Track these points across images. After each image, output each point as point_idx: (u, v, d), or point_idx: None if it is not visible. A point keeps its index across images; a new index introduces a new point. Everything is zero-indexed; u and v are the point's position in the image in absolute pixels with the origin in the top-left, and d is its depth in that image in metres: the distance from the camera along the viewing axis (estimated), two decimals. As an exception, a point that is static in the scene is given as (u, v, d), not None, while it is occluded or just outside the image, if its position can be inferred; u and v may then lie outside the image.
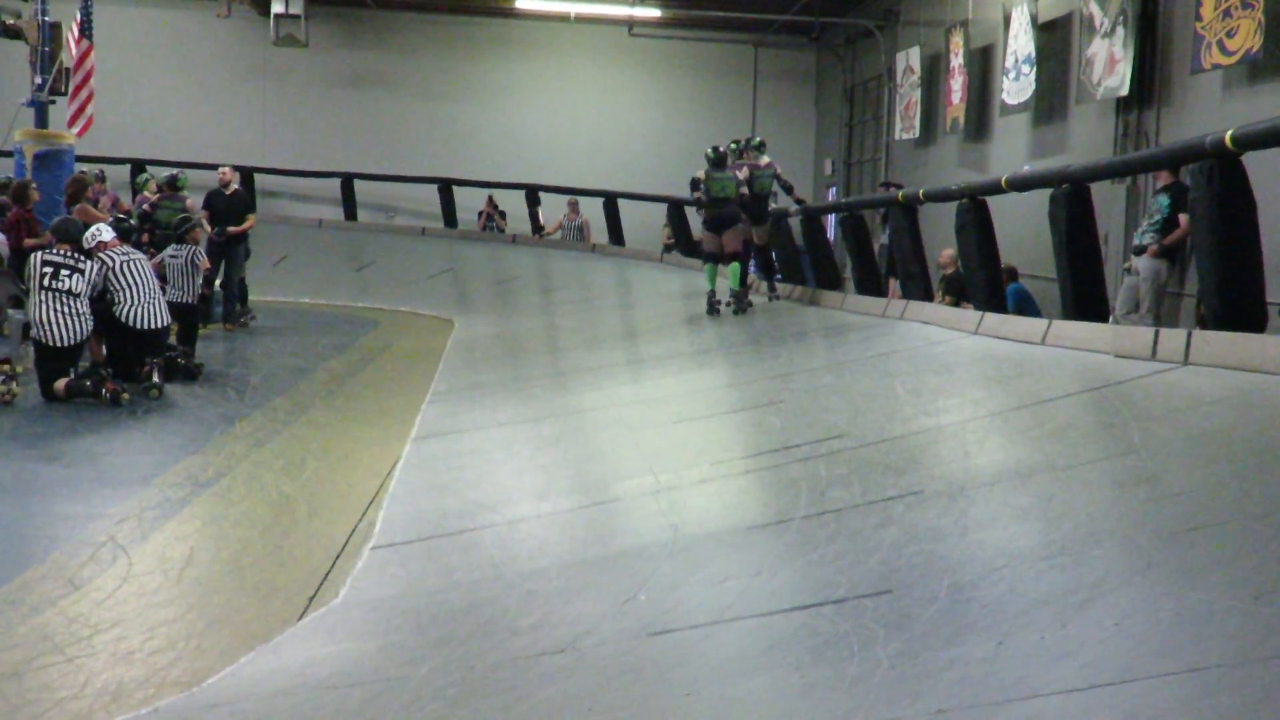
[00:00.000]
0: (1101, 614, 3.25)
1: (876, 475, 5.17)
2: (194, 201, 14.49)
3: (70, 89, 13.77)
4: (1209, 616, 3.06)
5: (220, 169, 15.18)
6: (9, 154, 13.46)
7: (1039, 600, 3.46)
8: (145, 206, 14.02)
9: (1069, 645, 3.12)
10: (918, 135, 18.93)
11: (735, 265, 12.14)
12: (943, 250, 12.82)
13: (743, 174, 12.80)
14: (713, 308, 12.41)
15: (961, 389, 6.87)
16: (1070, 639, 3.15)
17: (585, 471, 6.67)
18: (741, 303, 12.45)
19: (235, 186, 14.91)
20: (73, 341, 9.41)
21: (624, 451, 7.02)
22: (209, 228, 14.13)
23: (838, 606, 3.74)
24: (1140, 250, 9.77)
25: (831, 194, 23.51)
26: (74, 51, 13.81)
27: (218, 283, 14.06)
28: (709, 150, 12.73)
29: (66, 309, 9.37)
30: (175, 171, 14.53)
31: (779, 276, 13.82)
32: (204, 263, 11.80)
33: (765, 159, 13.06)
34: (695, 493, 5.64)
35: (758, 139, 13.49)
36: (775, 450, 6.05)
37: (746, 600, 4.04)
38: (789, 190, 13.07)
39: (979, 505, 4.49)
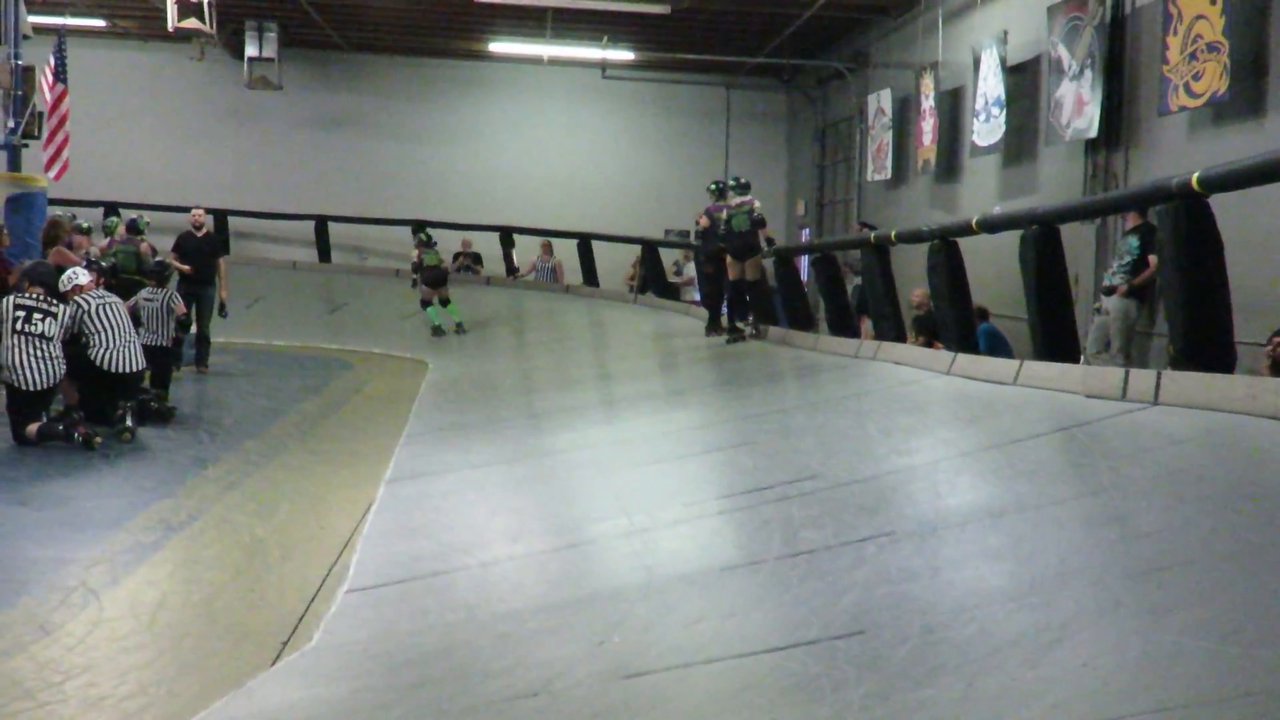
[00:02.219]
0: (1070, 654, 3.27)
1: (849, 516, 5.18)
2: (149, 245, 14.39)
3: (45, 133, 13.76)
4: (1176, 656, 3.09)
5: (193, 210, 15.14)
6: (-19, 196, 13.44)
7: (1009, 640, 3.48)
8: (97, 250, 13.84)
9: (1038, 686, 3.14)
10: (889, 176, 19.06)
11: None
12: (914, 290, 12.90)
13: (722, 214, 13.37)
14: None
15: (933, 429, 6.91)
16: (1039, 679, 3.18)
17: (559, 513, 6.66)
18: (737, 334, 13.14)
19: (207, 229, 14.90)
20: (45, 385, 9.38)
21: (598, 493, 7.02)
22: (182, 267, 14.10)
23: (810, 648, 3.75)
24: (1110, 290, 9.87)
25: (804, 235, 23.64)
26: (48, 96, 13.81)
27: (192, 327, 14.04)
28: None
29: (39, 353, 9.35)
30: (135, 215, 14.52)
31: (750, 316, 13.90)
32: (179, 306, 11.79)
33: (741, 198, 13.15)
34: (669, 534, 5.64)
35: (742, 180, 13.58)
36: (748, 491, 6.06)
37: (720, 642, 4.05)
38: (762, 224, 13.15)
39: (950, 545, 4.51)
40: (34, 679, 4.49)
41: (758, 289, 13.47)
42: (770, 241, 13.80)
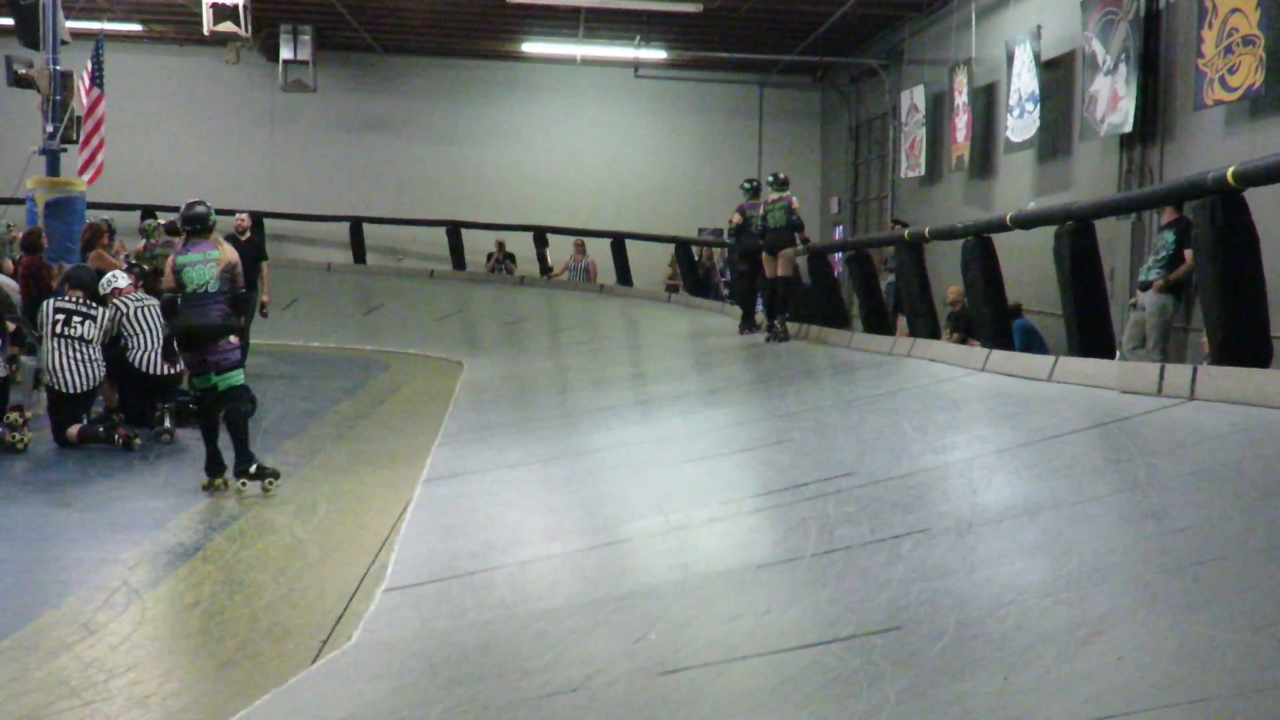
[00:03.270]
0: (1106, 648, 3.28)
1: (885, 513, 5.20)
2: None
3: (81, 137, 13.88)
4: (1212, 649, 3.09)
5: (237, 215, 15.14)
6: (21, 201, 13.59)
7: (1045, 635, 3.49)
8: (134, 252, 13.84)
9: (1074, 679, 3.16)
10: (923, 173, 19.01)
11: None
12: (949, 287, 12.88)
13: (758, 211, 13.51)
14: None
15: (968, 426, 6.91)
16: (1076, 672, 3.19)
17: (595, 512, 6.70)
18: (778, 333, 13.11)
19: (249, 233, 14.95)
20: (85, 388, 9.50)
21: (633, 491, 7.05)
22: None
23: (846, 644, 3.77)
24: (1146, 286, 9.82)
25: (838, 232, 23.59)
26: (85, 100, 13.93)
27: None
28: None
29: (79, 355, 9.46)
30: (173, 219, 14.54)
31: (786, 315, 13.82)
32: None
33: (779, 194, 13.12)
34: (704, 532, 5.67)
35: (781, 175, 13.53)
36: (784, 489, 6.08)
37: (756, 638, 4.08)
38: (798, 228, 13.10)
39: (986, 542, 4.52)
40: (79, 678, 4.55)
41: (789, 285, 13.43)
42: (805, 241, 13.76)
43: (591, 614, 4.75)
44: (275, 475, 8.12)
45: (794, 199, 13.10)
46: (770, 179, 13.44)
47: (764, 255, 13.21)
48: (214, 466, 8.20)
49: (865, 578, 4.40)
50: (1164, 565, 3.79)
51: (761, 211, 13.22)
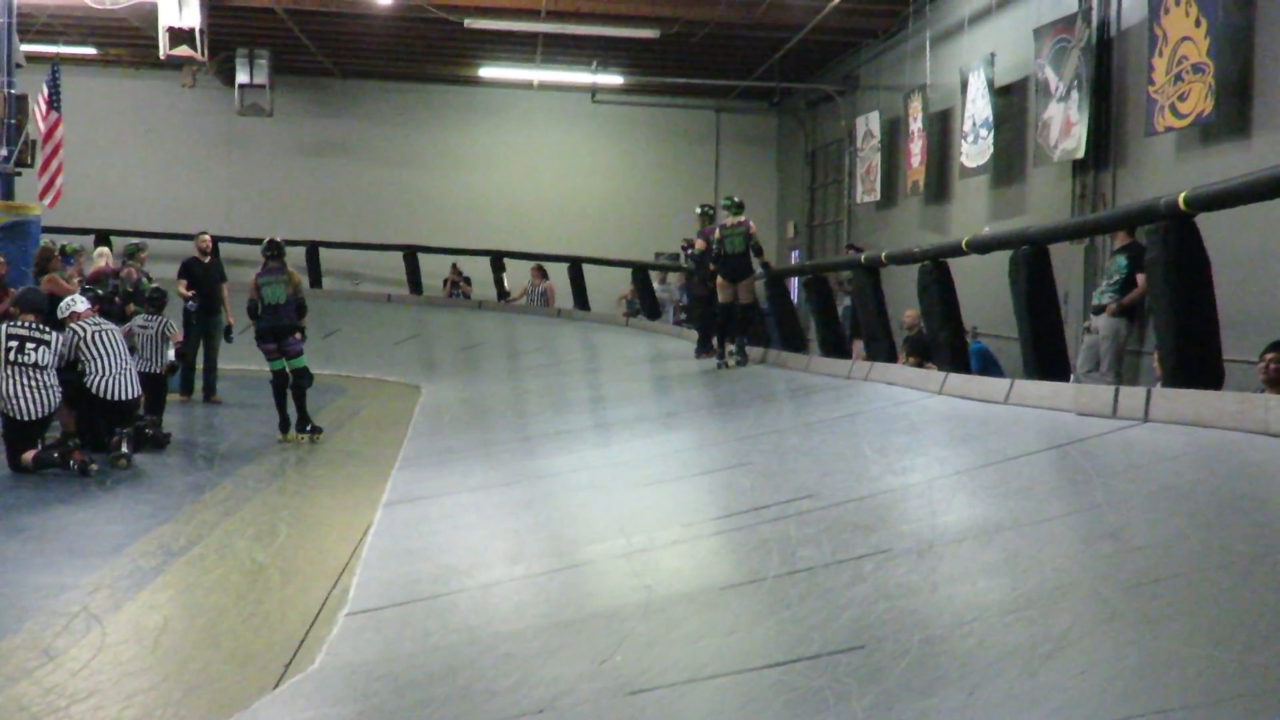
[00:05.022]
0: (1068, 663, 3.33)
1: (846, 534, 5.24)
2: (133, 270, 14.17)
3: (40, 161, 13.80)
4: (1171, 663, 3.15)
5: (200, 235, 14.89)
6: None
7: (1008, 651, 3.53)
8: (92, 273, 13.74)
9: (1037, 693, 3.20)
10: (879, 198, 19.16)
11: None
12: (906, 311, 12.96)
13: (715, 235, 13.19)
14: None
15: (928, 448, 6.97)
16: (1038, 688, 3.23)
17: (557, 534, 6.71)
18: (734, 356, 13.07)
19: (211, 256, 14.84)
20: (40, 414, 9.43)
21: (595, 514, 7.07)
22: (187, 294, 14.07)
23: (812, 663, 3.80)
24: (1099, 309, 9.95)
25: (794, 256, 23.73)
26: (42, 125, 13.85)
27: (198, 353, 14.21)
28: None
29: (34, 382, 9.39)
30: (137, 241, 14.43)
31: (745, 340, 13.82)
32: (176, 334, 11.80)
33: (735, 218, 13.02)
34: (667, 554, 5.70)
35: (736, 199, 13.44)
36: (745, 511, 6.11)
37: (722, 658, 4.10)
38: (758, 253, 13.04)
39: (947, 561, 4.56)
40: (40, 704, 4.52)
41: (749, 312, 13.37)
42: (766, 266, 13.69)
43: (556, 636, 4.76)
44: (320, 431, 11.75)
45: (751, 223, 13.01)
46: (725, 202, 13.24)
47: (720, 281, 13.04)
48: (284, 424, 11.68)
49: (828, 598, 4.44)
50: (1122, 583, 3.85)
51: (718, 235, 13.05)
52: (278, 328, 11.69)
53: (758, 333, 14.02)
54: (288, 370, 11.69)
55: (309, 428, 11.62)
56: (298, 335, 11.86)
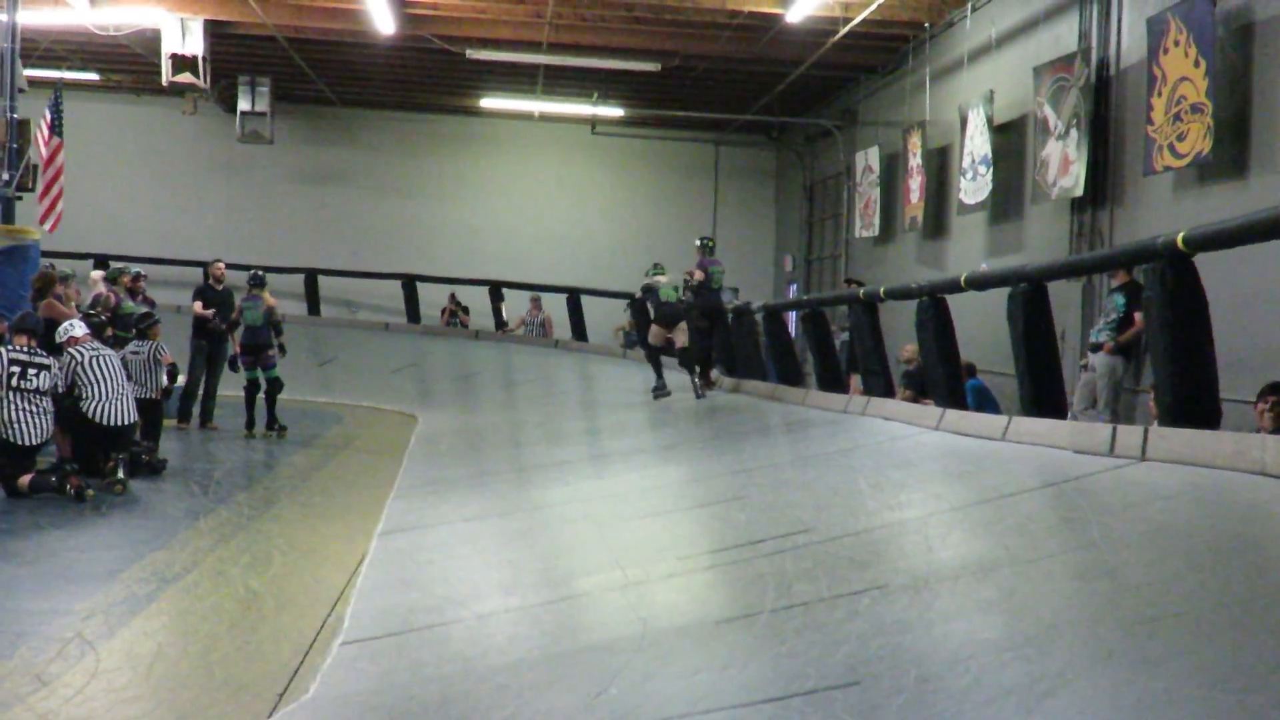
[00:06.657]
0: (1065, 702, 3.32)
1: (842, 569, 5.23)
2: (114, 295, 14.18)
3: (41, 185, 13.83)
4: (1168, 703, 3.15)
5: (215, 263, 15.41)
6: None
7: (1005, 689, 3.53)
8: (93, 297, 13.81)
9: (1034, 733, 3.20)
10: (877, 233, 19.20)
11: None
12: (904, 346, 12.97)
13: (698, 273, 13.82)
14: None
15: (924, 484, 6.96)
16: (1036, 726, 3.23)
17: (552, 566, 6.69)
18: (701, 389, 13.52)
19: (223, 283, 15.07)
20: (39, 439, 9.42)
21: (590, 546, 7.06)
22: (206, 314, 14.62)
23: (807, 698, 3.79)
24: (1097, 347, 9.96)
25: (792, 290, 23.76)
26: (44, 150, 13.89)
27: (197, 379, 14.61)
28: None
29: (34, 408, 9.38)
30: (137, 269, 14.52)
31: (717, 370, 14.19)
32: (166, 357, 11.77)
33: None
34: (663, 587, 5.68)
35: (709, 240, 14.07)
36: (741, 545, 6.10)
37: (717, 693, 4.09)
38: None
39: (944, 598, 4.56)
40: (32, 729, 4.51)
41: (687, 350, 13.92)
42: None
43: (551, 668, 4.75)
44: (285, 429, 14.19)
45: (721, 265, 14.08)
46: (698, 243, 14.22)
47: (654, 328, 13.96)
48: (250, 423, 14.16)
49: (824, 633, 4.43)
50: (1119, 622, 3.85)
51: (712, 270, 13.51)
52: (255, 345, 14.26)
53: (705, 357, 14.34)
54: (261, 380, 14.18)
55: (277, 426, 14.14)
56: (271, 352, 14.34)
